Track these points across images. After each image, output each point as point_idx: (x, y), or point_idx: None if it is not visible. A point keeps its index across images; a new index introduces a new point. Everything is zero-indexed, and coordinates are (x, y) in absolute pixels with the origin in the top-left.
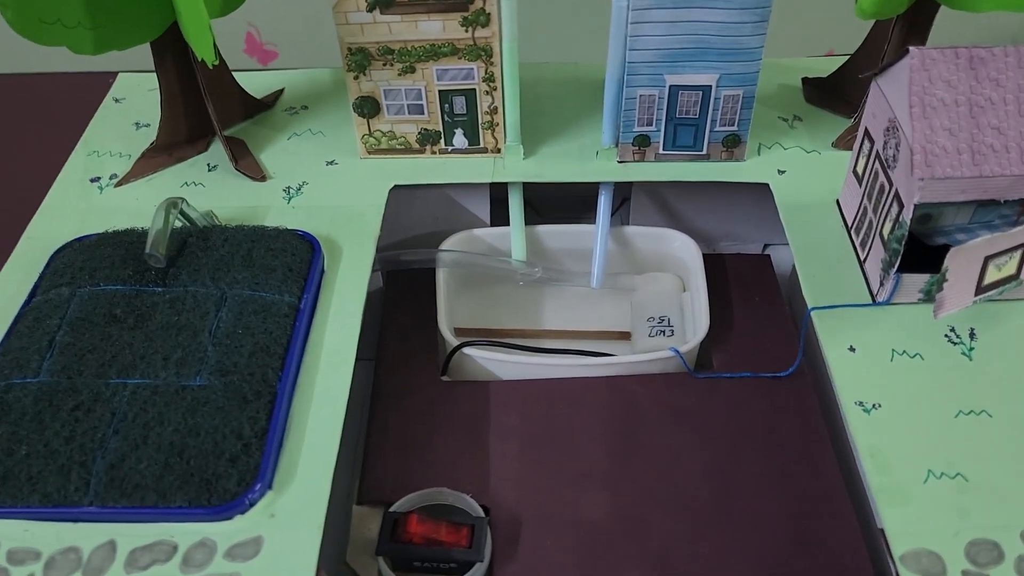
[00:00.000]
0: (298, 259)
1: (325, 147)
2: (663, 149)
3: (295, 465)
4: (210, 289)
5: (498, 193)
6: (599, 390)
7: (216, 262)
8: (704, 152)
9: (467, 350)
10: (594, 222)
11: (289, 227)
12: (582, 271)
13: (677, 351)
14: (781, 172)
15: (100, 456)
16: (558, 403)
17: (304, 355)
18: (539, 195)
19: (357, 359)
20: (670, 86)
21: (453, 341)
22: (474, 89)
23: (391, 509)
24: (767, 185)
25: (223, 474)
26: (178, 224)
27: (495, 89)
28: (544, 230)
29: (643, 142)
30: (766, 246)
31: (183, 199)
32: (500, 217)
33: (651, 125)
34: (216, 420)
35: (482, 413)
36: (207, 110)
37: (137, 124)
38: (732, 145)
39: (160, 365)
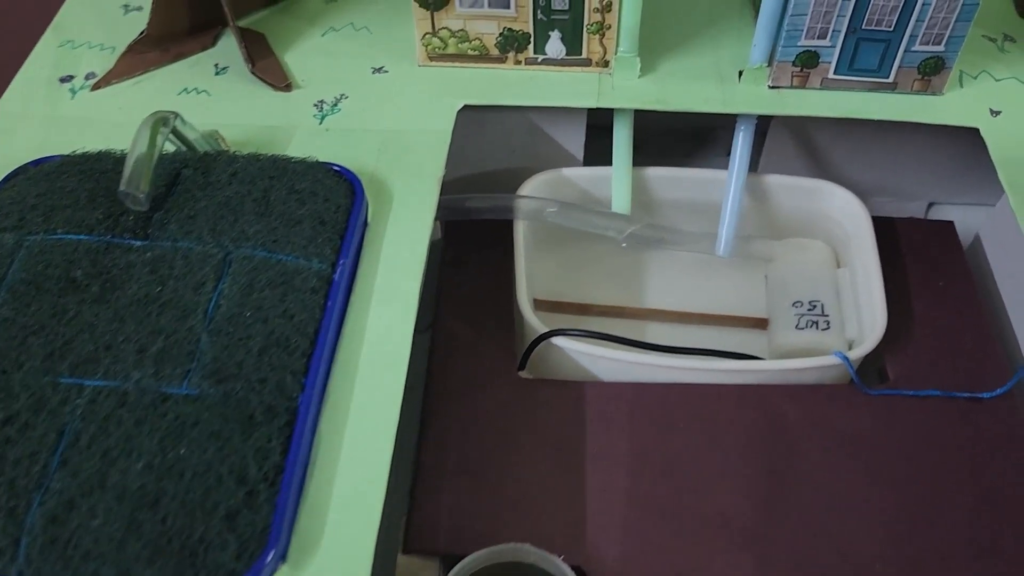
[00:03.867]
0: (332, 206)
1: (372, 48)
2: (835, 72)
3: (322, 523)
4: (209, 247)
5: (597, 121)
6: (734, 403)
7: (219, 207)
8: (891, 80)
9: (557, 340)
10: (709, 165)
11: (321, 159)
12: (704, 232)
13: (845, 358)
14: (995, 113)
15: (37, 500)
16: (678, 419)
17: (338, 351)
18: (635, 123)
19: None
20: None
21: (536, 324)
22: None
23: (452, 573)
24: (964, 129)
25: (215, 540)
26: (170, 149)
27: None
28: (655, 174)
29: (809, 61)
30: (931, 205)
31: (177, 114)
32: (596, 153)
33: (824, 38)
34: (208, 451)
35: (575, 428)
36: None
37: (126, 7)
38: (931, 72)
39: (132, 360)
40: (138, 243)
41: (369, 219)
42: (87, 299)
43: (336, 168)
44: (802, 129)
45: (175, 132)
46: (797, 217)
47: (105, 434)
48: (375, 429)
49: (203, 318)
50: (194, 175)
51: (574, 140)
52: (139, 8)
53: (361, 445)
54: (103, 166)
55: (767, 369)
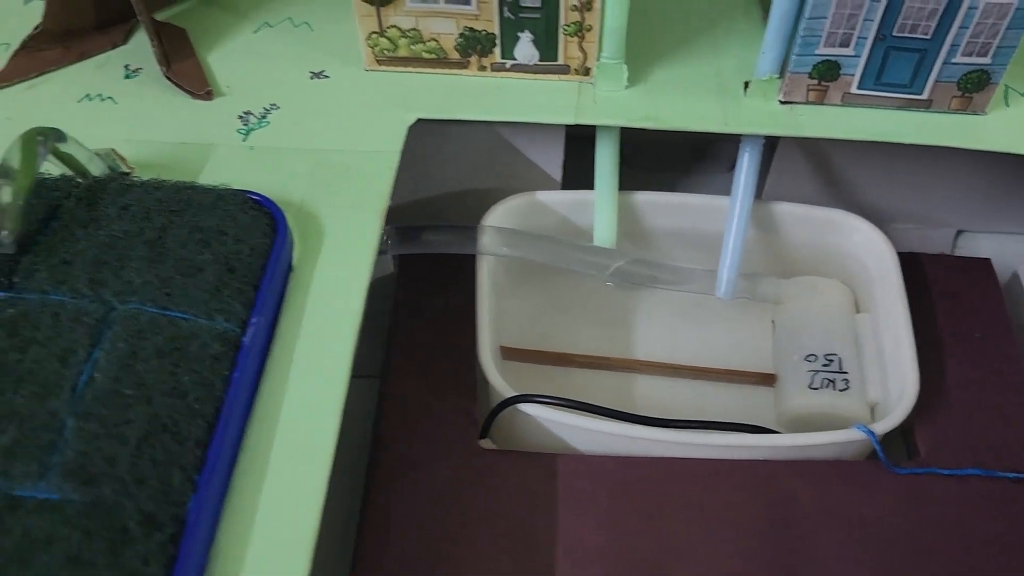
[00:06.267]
0: (245, 247)
1: (312, 48)
2: (859, 86)
3: None
4: (85, 301)
5: (578, 132)
6: (736, 482)
7: (101, 250)
8: (925, 96)
9: (524, 407)
10: (711, 182)
11: (239, 185)
12: (702, 269)
13: (870, 432)
14: None
15: None
16: (669, 502)
17: (245, 437)
18: (624, 132)
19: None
20: None
21: (501, 386)
22: None
23: None
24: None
25: None
26: (53, 173)
27: None
28: (645, 200)
29: (828, 73)
30: (959, 233)
31: (56, 130)
32: (576, 171)
33: (847, 46)
34: None
35: (544, 513)
36: None
37: None
38: (974, 88)
39: None
40: (0, 295)
41: (294, 263)
42: None
43: (255, 197)
44: (815, 146)
45: (57, 153)
46: (810, 252)
47: None
48: (290, 539)
49: (70, 397)
50: (77, 208)
51: (551, 157)
52: None
53: (271, 560)
54: None
55: (777, 445)
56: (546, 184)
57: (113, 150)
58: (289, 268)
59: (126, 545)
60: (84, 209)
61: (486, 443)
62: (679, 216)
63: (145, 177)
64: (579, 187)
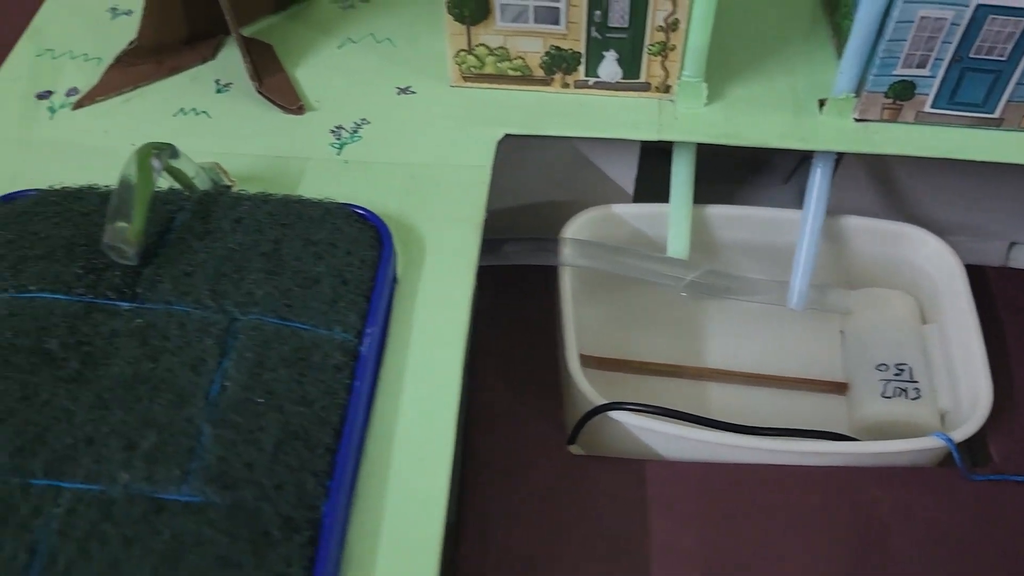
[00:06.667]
0: (356, 260)
1: (396, 64)
2: (932, 105)
3: None
4: (209, 312)
5: (649, 147)
6: (818, 488)
7: (221, 262)
8: (996, 115)
9: (615, 414)
10: (766, 195)
11: (339, 199)
12: (774, 280)
13: (949, 439)
14: None
15: None
16: (755, 506)
17: (366, 443)
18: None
19: None
20: (977, 5)
21: (591, 394)
22: None
23: None
24: None
25: None
26: (162, 186)
27: None
28: (716, 213)
29: (904, 92)
30: (1012, 245)
31: (170, 145)
32: (646, 184)
33: (923, 67)
34: None
35: (636, 516)
36: None
37: (114, 10)
38: None
39: (119, 458)
40: (125, 305)
41: (398, 275)
42: (63, 378)
43: (360, 212)
44: (875, 160)
45: (168, 167)
46: (876, 264)
47: (86, 557)
48: (416, 542)
49: (204, 404)
50: (191, 221)
51: (625, 172)
52: (129, 12)
53: (400, 560)
54: (85, 206)
55: (858, 452)
56: (618, 197)
57: (217, 164)
58: (394, 280)
59: (269, 547)
60: (199, 222)
61: (575, 449)
62: (746, 228)
63: (246, 190)
64: (645, 199)
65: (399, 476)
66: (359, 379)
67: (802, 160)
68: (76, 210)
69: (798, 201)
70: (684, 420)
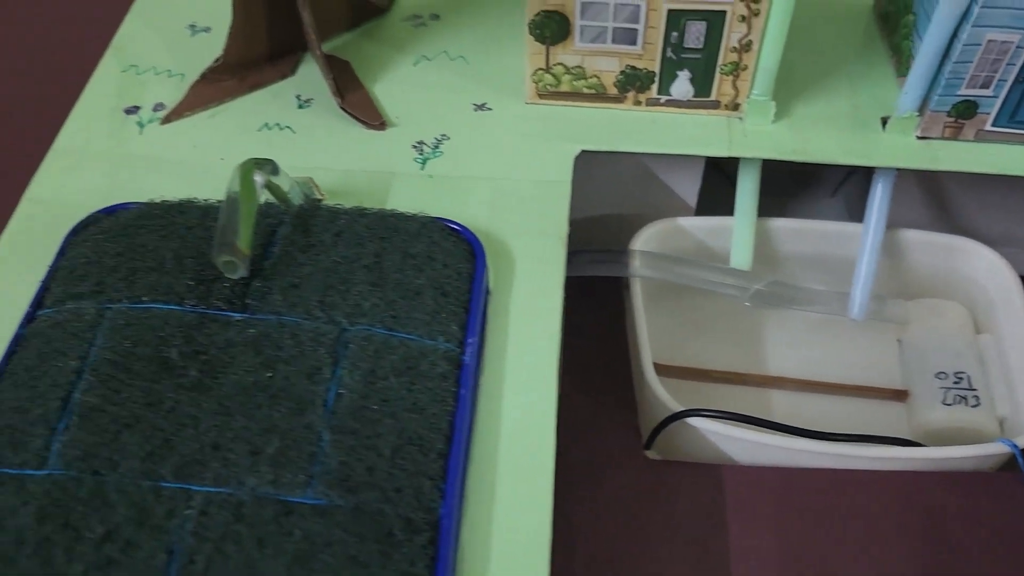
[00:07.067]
0: (452, 272)
1: (470, 81)
2: (993, 124)
3: None
4: (319, 323)
5: (712, 167)
6: (887, 492)
7: (326, 274)
8: None
9: (692, 420)
10: (813, 207)
11: (430, 213)
12: (835, 292)
13: (1014, 446)
14: None
15: None
16: (828, 510)
17: (471, 449)
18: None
19: None
20: None
21: (668, 401)
22: (724, 11)
23: None
24: None
25: None
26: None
27: (756, 14)
28: (776, 225)
29: (966, 111)
30: None
31: (271, 161)
32: (704, 198)
33: (986, 88)
34: None
35: (715, 519)
36: (295, 12)
37: (192, 27)
38: None
39: (247, 463)
40: (237, 316)
41: (490, 287)
42: (185, 385)
43: (453, 226)
44: (930, 175)
45: (269, 185)
46: (931, 276)
47: (223, 557)
48: (526, 542)
49: (323, 412)
50: (292, 234)
51: (689, 186)
52: (207, 29)
53: (511, 562)
54: (188, 219)
55: (925, 457)
56: (682, 210)
57: (310, 178)
58: (487, 292)
59: (394, 548)
60: (300, 235)
61: (651, 454)
62: (806, 241)
63: (341, 204)
64: (707, 211)
65: (505, 479)
66: (464, 387)
67: (848, 174)
68: (180, 223)
69: (844, 214)
70: (759, 426)
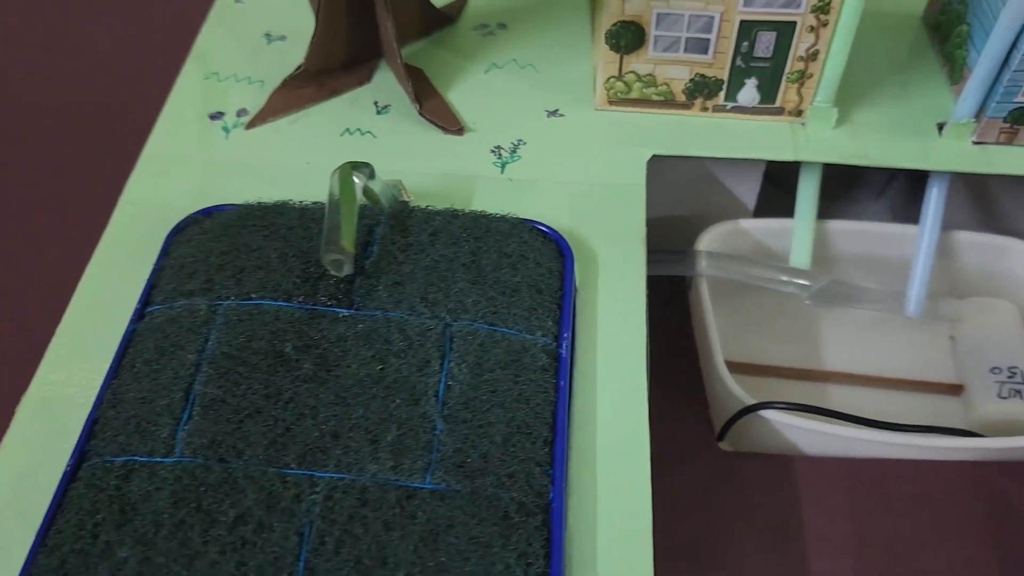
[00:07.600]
0: (544, 271)
1: (541, 88)
2: None
3: None
4: (424, 318)
5: (772, 171)
6: (953, 481)
7: (427, 272)
8: None
9: (765, 412)
10: (860, 210)
11: (516, 214)
12: (892, 290)
13: None
14: None
15: None
16: (898, 499)
17: (570, 437)
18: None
19: None
20: None
21: (740, 394)
22: (795, 22)
23: None
24: None
25: None
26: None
27: (824, 25)
28: (832, 227)
29: (1021, 117)
30: None
31: (368, 164)
32: (764, 203)
33: None
34: (471, 560)
35: (789, 508)
36: (374, 22)
37: (268, 35)
38: None
39: (367, 451)
40: (344, 312)
41: (578, 284)
42: (301, 377)
43: (541, 228)
44: (977, 177)
45: (365, 190)
46: (981, 275)
47: (353, 538)
48: (628, 525)
49: (435, 402)
50: (390, 234)
51: (748, 190)
52: (282, 37)
53: (616, 543)
54: (287, 220)
55: (989, 447)
56: (742, 212)
57: (399, 181)
58: (575, 290)
59: (512, 529)
60: (398, 235)
61: (724, 445)
62: (862, 242)
63: (433, 205)
64: (765, 213)
65: (605, 465)
66: (562, 379)
67: (891, 178)
68: (280, 224)
69: (890, 215)
70: (831, 418)
